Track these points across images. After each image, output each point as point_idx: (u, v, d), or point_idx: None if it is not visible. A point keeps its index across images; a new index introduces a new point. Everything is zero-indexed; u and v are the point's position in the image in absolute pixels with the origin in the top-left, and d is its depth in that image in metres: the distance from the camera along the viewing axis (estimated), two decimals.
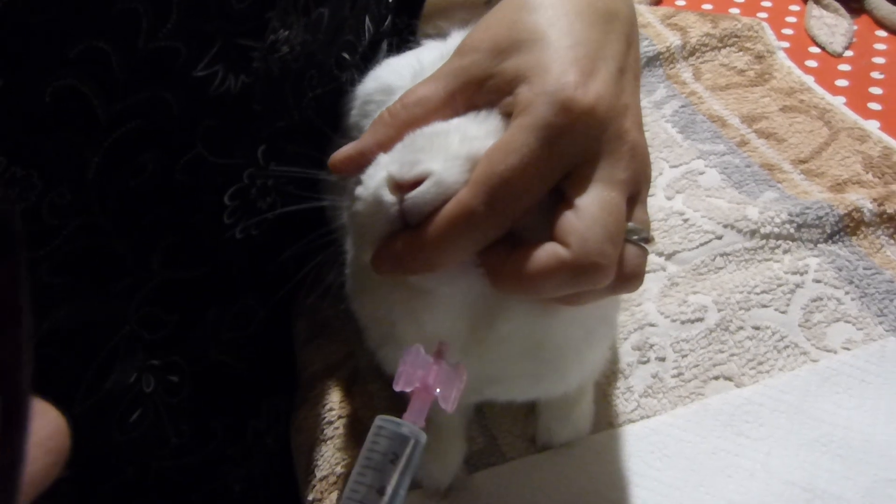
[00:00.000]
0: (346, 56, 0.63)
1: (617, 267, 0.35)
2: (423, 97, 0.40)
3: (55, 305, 0.49)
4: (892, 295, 0.62)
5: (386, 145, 0.40)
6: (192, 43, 0.48)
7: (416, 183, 0.36)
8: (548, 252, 0.34)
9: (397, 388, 0.37)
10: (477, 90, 0.39)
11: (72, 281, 0.49)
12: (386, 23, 0.69)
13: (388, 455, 0.34)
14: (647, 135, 0.78)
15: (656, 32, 0.92)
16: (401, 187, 0.36)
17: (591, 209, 0.35)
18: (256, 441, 0.65)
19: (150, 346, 0.55)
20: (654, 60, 0.89)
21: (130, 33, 0.45)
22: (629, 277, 0.37)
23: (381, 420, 0.36)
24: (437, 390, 0.37)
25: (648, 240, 0.38)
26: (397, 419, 0.36)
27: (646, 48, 0.90)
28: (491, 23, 0.41)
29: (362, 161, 0.40)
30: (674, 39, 0.91)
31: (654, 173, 0.76)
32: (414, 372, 0.37)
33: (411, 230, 0.36)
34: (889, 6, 0.98)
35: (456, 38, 0.55)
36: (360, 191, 0.39)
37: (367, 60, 0.64)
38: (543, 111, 0.35)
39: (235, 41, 0.50)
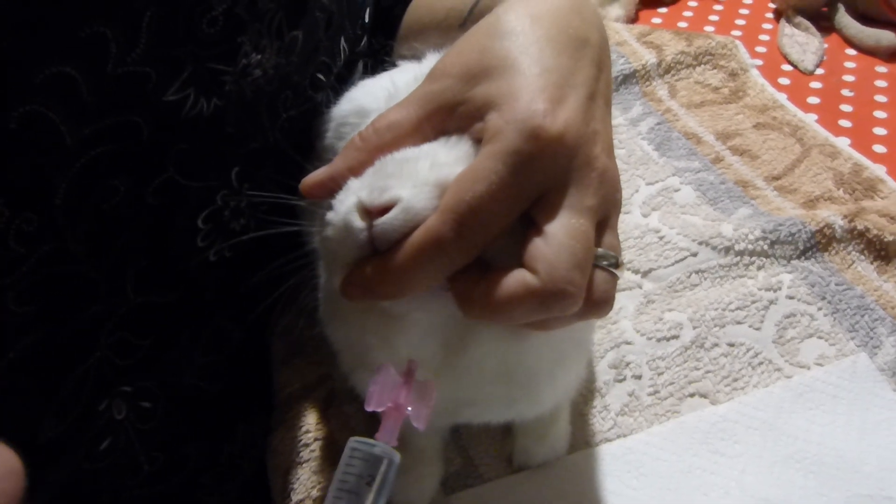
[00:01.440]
0: (321, 77, 0.63)
1: (586, 293, 0.36)
2: (394, 122, 0.40)
3: (22, 333, 0.48)
4: (864, 310, 0.63)
5: (357, 170, 0.40)
6: (162, 67, 0.48)
7: (386, 209, 0.36)
8: (516, 279, 0.34)
9: (369, 408, 0.37)
10: (448, 116, 0.40)
11: (40, 308, 0.48)
12: (362, 43, 0.69)
13: (364, 477, 0.35)
14: (622, 152, 0.80)
15: (632, 50, 0.93)
16: (370, 213, 0.36)
17: (559, 236, 0.35)
18: (231, 466, 0.64)
19: (122, 371, 0.55)
20: (630, 78, 0.90)
21: (98, 58, 0.44)
22: (598, 303, 0.37)
23: (354, 442, 0.36)
24: (409, 409, 0.37)
25: (618, 265, 0.38)
26: (370, 440, 0.36)
27: (622, 66, 0.90)
28: (463, 48, 0.41)
29: (333, 186, 0.40)
30: (649, 57, 0.92)
31: (630, 190, 0.76)
32: (385, 391, 0.37)
33: (380, 256, 0.36)
34: (857, 25, 1.00)
35: (431, 60, 0.55)
36: (330, 216, 0.39)
37: (343, 81, 0.64)
38: (512, 138, 0.35)
39: (206, 65, 0.50)
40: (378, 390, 0.37)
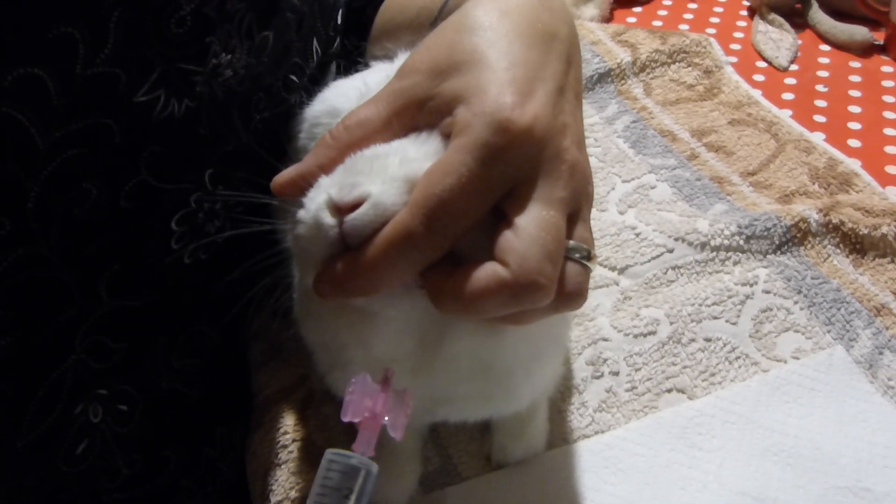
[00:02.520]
0: (294, 78, 0.62)
1: (558, 285, 0.36)
2: (364, 119, 0.40)
3: None
4: (839, 304, 0.63)
5: (327, 167, 0.40)
6: (131, 68, 0.47)
7: (356, 205, 0.36)
8: (487, 272, 0.34)
9: (345, 418, 0.37)
10: (417, 111, 0.40)
11: (14, 312, 0.48)
12: (334, 45, 0.69)
13: (342, 490, 0.35)
14: (598, 150, 0.80)
15: (607, 49, 0.94)
16: (340, 210, 0.36)
17: (529, 228, 0.35)
18: (211, 469, 0.63)
19: (98, 375, 0.54)
20: (606, 77, 0.91)
21: (67, 59, 0.44)
22: (571, 295, 0.37)
23: (331, 454, 0.35)
24: (386, 418, 0.37)
25: (590, 257, 0.38)
26: (347, 451, 0.35)
27: (597, 65, 0.91)
28: (431, 44, 0.41)
29: (304, 184, 0.40)
30: (624, 56, 0.92)
31: (606, 188, 0.76)
32: (361, 401, 0.37)
33: (351, 252, 0.36)
34: (831, 21, 1.01)
35: (402, 59, 0.55)
36: (301, 214, 0.39)
37: (316, 82, 0.64)
38: (481, 131, 0.35)
39: (176, 65, 0.50)
40: (354, 400, 0.37)
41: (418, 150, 0.38)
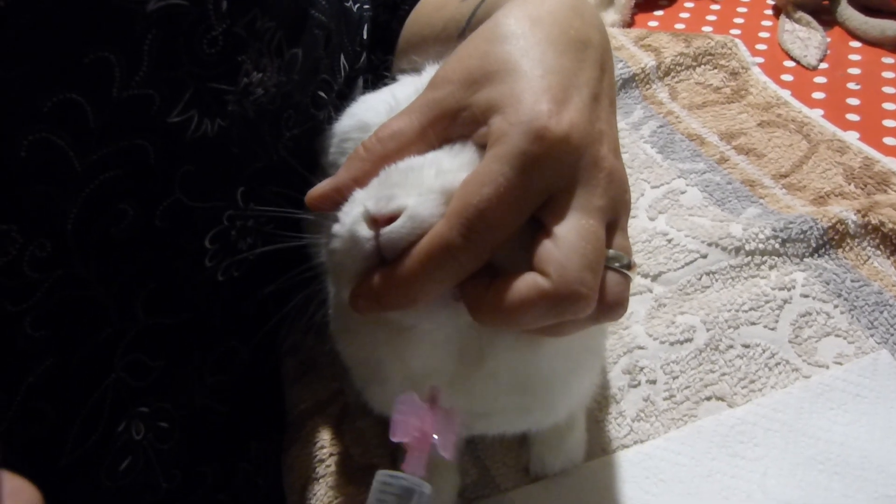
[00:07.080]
0: (323, 95, 0.63)
1: (599, 295, 0.35)
2: (397, 131, 0.40)
3: (39, 358, 0.48)
4: (882, 307, 0.62)
5: (362, 180, 0.40)
6: (164, 90, 0.48)
7: (392, 218, 0.36)
8: (527, 282, 0.34)
9: (395, 438, 0.36)
10: (451, 122, 0.39)
11: (55, 333, 0.49)
12: (361, 60, 0.69)
13: None
14: (626, 156, 0.80)
15: (630, 54, 0.93)
16: (376, 222, 0.36)
17: (569, 237, 0.34)
18: (247, 483, 0.64)
19: (138, 393, 0.55)
20: (630, 82, 0.90)
21: (103, 83, 0.45)
22: (612, 305, 0.36)
23: (382, 476, 0.35)
24: (435, 437, 0.36)
25: (630, 266, 0.37)
26: (399, 473, 0.35)
27: (620, 70, 0.90)
28: (463, 55, 0.41)
29: (338, 197, 0.40)
30: (648, 60, 0.91)
31: (635, 194, 0.76)
32: (410, 421, 0.36)
33: (388, 265, 0.36)
34: (860, 17, 0.99)
35: (430, 71, 0.55)
36: (336, 228, 0.38)
37: (344, 98, 0.64)
38: (518, 141, 0.35)
39: (208, 86, 0.50)
40: (402, 420, 0.36)
41: (453, 161, 0.38)
